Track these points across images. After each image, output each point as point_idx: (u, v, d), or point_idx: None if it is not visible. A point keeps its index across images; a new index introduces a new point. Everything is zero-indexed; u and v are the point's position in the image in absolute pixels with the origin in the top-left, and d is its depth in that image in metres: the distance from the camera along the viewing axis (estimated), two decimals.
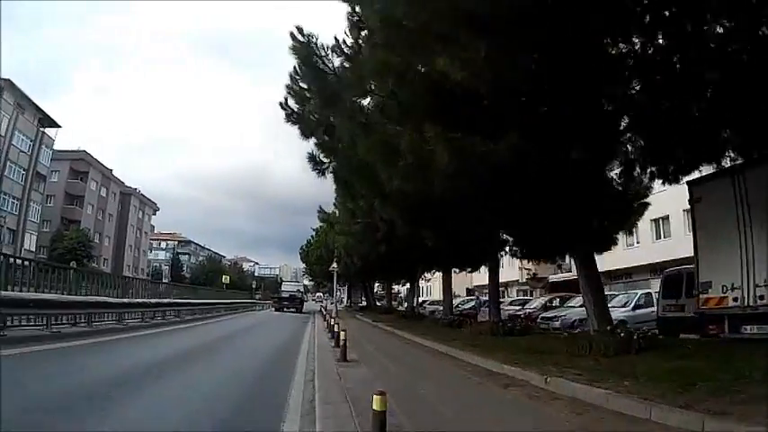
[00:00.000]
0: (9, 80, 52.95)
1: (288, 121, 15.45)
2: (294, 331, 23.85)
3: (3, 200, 53.92)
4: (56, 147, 65.30)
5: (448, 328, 22.26)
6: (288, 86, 15.31)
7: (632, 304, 20.62)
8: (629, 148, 12.26)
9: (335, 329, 15.79)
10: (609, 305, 19.01)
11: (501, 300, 40.56)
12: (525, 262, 44.23)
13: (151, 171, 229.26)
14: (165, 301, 25.11)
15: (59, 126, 64.17)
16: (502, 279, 49.11)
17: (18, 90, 55.06)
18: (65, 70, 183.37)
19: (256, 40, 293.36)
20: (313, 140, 15.82)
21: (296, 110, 15.48)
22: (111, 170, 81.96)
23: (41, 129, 60.43)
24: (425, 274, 41.35)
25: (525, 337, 16.45)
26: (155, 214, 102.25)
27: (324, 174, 16.67)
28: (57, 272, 16.09)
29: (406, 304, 56.56)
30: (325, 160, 16.52)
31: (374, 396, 4.82)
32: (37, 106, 59.37)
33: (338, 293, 45.95)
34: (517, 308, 28.68)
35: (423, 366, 12.51)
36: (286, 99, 15.52)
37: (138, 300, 20.61)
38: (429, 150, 9.98)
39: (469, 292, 59.73)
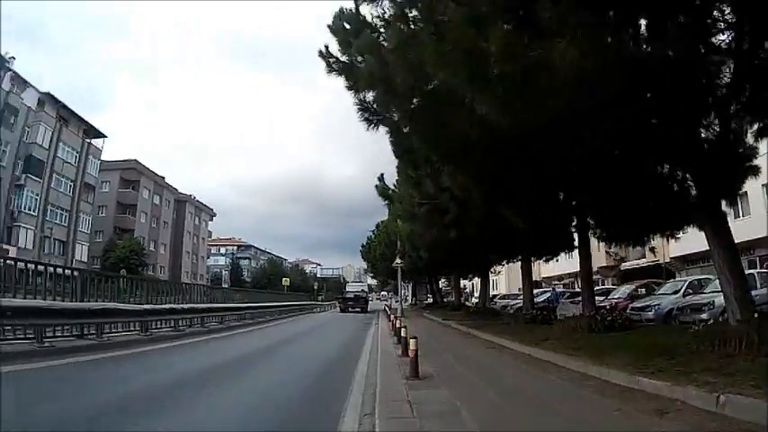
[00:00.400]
0: (49, 93, 53.49)
1: (330, 71, 12.40)
2: (353, 335, 21.15)
3: (50, 212, 53.78)
4: (106, 158, 65.65)
5: (531, 324, 19.10)
6: (330, 27, 12.53)
7: (758, 284, 17.27)
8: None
9: (402, 333, 13.02)
10: (705, 289, 18.19)
11: (565, 290, 38.26)
12: (606, 246, 41.55)
13: (206, 179, 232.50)
14: (214, 306, 23.50)
15: (105, 136, 64.33)
16: (569, 269, 48.53)
17: (59, 102, 55.21)
18: (111, 84, 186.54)
19: (303, 46, 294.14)
20: (363, 95, 12.67)
21: (340, 57, 12.50)
22: (164, 177, 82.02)
23: (87, 140, 60.53)
24: (495, 267, 37.94)
25: (631, 333, 13.62)
26: (212, 220, 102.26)
27: (377, 124, 13.33)
28: (108, 281, 15.79)
29: (475, 300, 53.98)
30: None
31: None
32: (80, 117, 59.51)
33: (403, 291, 43.06)
34: (600, 299, 24.77)
35: (525, 385, 9.07)
36: (326, 47, 12.67)
37: (166, 306, 17.93)
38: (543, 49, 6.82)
39: (536, 284, 56.34)
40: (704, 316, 16.08)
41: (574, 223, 18.58)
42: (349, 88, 12.35)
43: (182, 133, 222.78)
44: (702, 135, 10.52)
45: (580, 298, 25.89)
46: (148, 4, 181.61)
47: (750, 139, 10.81)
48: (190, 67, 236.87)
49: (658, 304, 19.50)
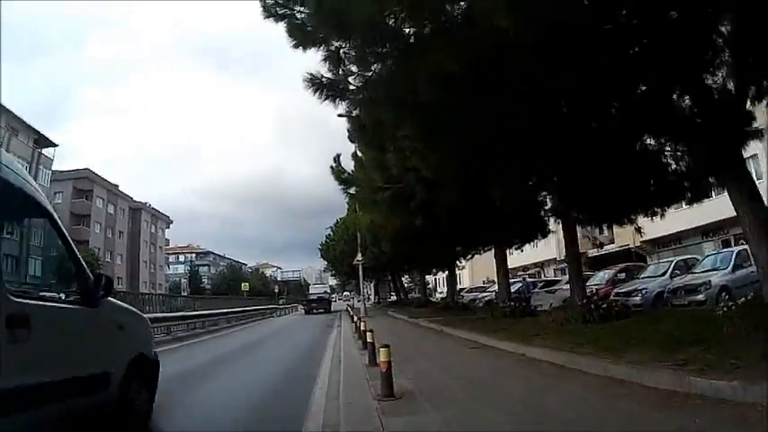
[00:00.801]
0: None
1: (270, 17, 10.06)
2: (312, 341, 18.81)
3: None
4: (59, 168, 64.02)
5: (510, 318, 17.46)
6: None
7: (730, 264, 16.38)
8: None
9: (367, 337, 10.88)
10: (696, 269, 17.68)
11: (536, 280, 36.82)
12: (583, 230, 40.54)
13: (161, 186, 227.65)
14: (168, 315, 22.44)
15: (56, 145, 61.90)
16: (533, 258, 48.13)
17: (9, 111, 52.27)
18: (64, 95, 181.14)
19: (256, 45, 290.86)
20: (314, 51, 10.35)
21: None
22: (117, 186, 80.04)
23: (37, 149, 58.10)
24: (461, 260, 35.70)
25: (632, 321, 12.01)
26: (168, 227, 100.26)
27: (338, 99, 11.03)
28: None
29: (440, 295, 52.40)
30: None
31: None
32: (30, 127, 56.89)
33: (365, 290, 41.38)
34: None
35: (543, 402, 6.54)
36: None
37: None
38: None
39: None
40: (701, 297, 15.49)
41: (547, 207, 17.59)
42: (296, 45, 10.00)
43: (135, 140, 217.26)
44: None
45: (555, 287, 25.00)
46: (100, 6, 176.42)
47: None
48: (143, 71, 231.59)
49: (645, 288, 18.25)
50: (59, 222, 5.20)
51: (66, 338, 4.80)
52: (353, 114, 12.84)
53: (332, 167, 19.66)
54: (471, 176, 12.96)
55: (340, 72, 10.34)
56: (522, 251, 24.01)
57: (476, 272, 59.71)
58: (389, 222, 20.01)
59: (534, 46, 8.27)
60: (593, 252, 42.46)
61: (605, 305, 13.48)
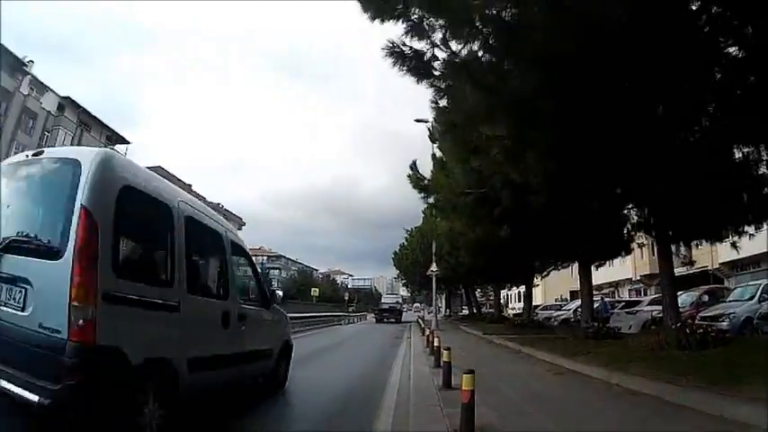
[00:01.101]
0: (69, 98, 52.33)
1: None
2: (379, 357, 16.77)
3: None
4: None
5: (593, 340, 16.01)
6: None
7: None
8: None
9: (442, 355, 9.90)
10: None
11: (615, 300, 34.99)
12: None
13: (235, 191, 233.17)
14: None
15: (129, 142, 63.32)
16: (607, 278, 46.53)
17: (80, 107, 54.05)
18: (142, 97, 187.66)
19: (335, 56, 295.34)
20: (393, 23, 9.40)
21: None
22: (191, 186, 79.97)
23: (110, 146, 57.82)
24: (539, 274, 33.99)
25: (732, 349, 10.81)
26: (240, 229, 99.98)
27: (422, 74, 9.98)
28: None
29: (511, 311, 50.78)
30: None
31: None
32: (102, 123, 58.31)
33: (436, 301, 40.40)
34: (657, 308, 21.36)
35: None
36: None
37: None
38: None
39: (573, 295, 54.65)
40: (724, 325, 15.16)
41: (633, 221, 17.09)
42: (373, 17, 9.02)
43: (213, 145, 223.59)
44: None
45: (636, 308, 23.61)
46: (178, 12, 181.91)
47: None
48: (224, 78, 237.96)
49: (733, 312, 16.87)
50: (252, 258, 9.23)
51: (258, 327, 8.30)
52: (437, 105, 11.73)
53: (409, 175, 18.51)
54: (565, 181, 11.71)
55: (426, 44, 9.39)
56: (597, 269, 22.19)
57: (548, 289, 58.04)
58: (470, 230, 18.69)
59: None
60: None
61: (702, 330, 12.10)
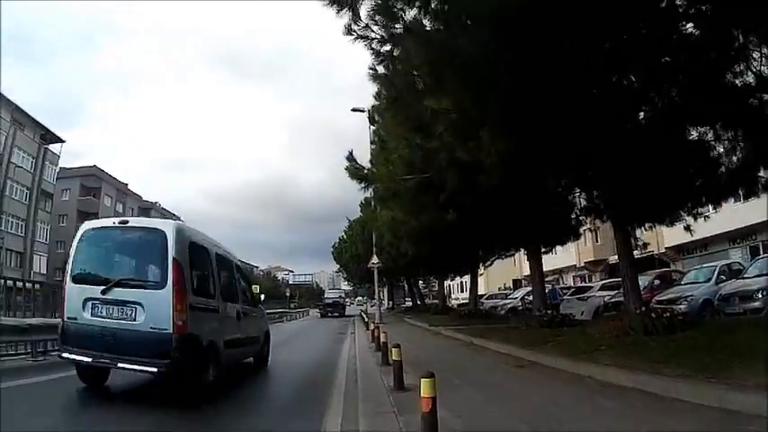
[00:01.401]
0: (2, 95, 49.84)
1: None
2: (322, 357, 14.88)
3: (4, 221, 50.85)
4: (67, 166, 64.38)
5: (548, 329, 15.12)
6: None
7: None
8: None
9: (392, 353, 8.70)
10: (746, 275, 16.04)
11: (563, 286, 34.84)
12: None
13: (170, 188, 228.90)
14: None
15: (63, 141, 61.90)
16: (552, 265, 45.93)
17: (13, 105, 52.00)
18: (79, 98, 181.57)
19: (271, 53, 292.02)
20: None
21: None
22: (126, 184, 79.42)
23: (44, 144, 57.52)
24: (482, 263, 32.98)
25: (701, 332, 10.02)
26: None
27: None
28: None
29: (456, 301, 50.18)
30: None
31: None
32: (37, 122, 56.60)
33: (379, 294, 40.41)
34: (610, 293, 21.73)
35: None
36: None
37: None
38: None
39: (516, 283, 56.41)
40: (757, 304, 14.14)
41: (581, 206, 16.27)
42: None
43: (148, 142, 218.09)
44: None
45: (587, 294, 24.08)
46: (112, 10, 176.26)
47: None
48: (159, 76, 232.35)
49: (691, 295, 16.49)
50: (244, 272, 12.30)
51: (251, 320, 11.05)
52: (378, 74, 10.54)
53: (347, 167, 17.15)
54: (518, 161, 10.66)
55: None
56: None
57: (491, 279, 57.85)
58: (412, 218, 17.34)
59: None
60: (613, 259, 41.02)
61: (668, 314, 11.46)
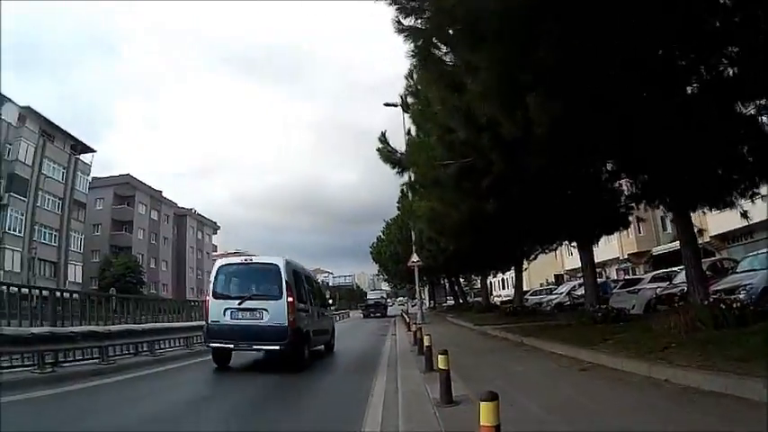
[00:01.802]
0: (30, 107, 50.86)
1: None
2: (357, 367, 13.27)
3: (38, 231, 51.42)
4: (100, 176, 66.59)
5: (603, 325, 14.14)
6: None
7: None
8: None
9: (438, 360, 7.31)
10: None
11: (613, 279, 33.35)
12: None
13: (206, 196, 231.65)
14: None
15: (94, 151, 62.80)
16: (597, 258, 44.21)
17: (42, 117, 52.73)
18: (107, 108, 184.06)
19: (295, 56, 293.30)
20: None
21: None
22: (161, 192, 79.28)
23: (75, 155, 58.16)
24: (529, 258, 31.50)
25: None
26: (215, 233, 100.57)
27: None
28: (103, 302, 15.85)
29: (498, 299, 48.95)
30: None
31: None
32: (66, 132, 57.37)
33: (420, 293, 40.18)
34: (661, 285, 21.10)
35: None
36: None
37: (176, 324, 18.03)
38: None
39: (558, 279, 56.53)
40: (741, 296, 13.45)
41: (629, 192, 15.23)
42: None
43: (179, 150, 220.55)
44: None
45: (638, 286, 23.14)
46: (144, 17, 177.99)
47: None
48: (185, 83, 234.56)
49: (750, 283, 15.01)
50: (317, 281, 20.88)
51: (324, 318, 16.43)
52: (403, 26, 9.52)
53: (379, 149, 16.11)
54: (571, 132, 9.50)
55: None
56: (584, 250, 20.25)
57: (532, 274, 56.43)
58: (453, 209, 16.05)
59: None
60: (657, 250, 39.62)
61: (738, 304, 10.53)
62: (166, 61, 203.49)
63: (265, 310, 11.74)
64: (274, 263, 12.37)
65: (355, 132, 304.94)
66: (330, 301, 20.26)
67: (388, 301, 74.83)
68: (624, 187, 15.57)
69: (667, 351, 8.59)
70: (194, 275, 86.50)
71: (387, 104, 24.91)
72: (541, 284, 50.74)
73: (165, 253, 77.63)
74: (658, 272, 25.16)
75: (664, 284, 20.91)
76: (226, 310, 11.89)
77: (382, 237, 62.36)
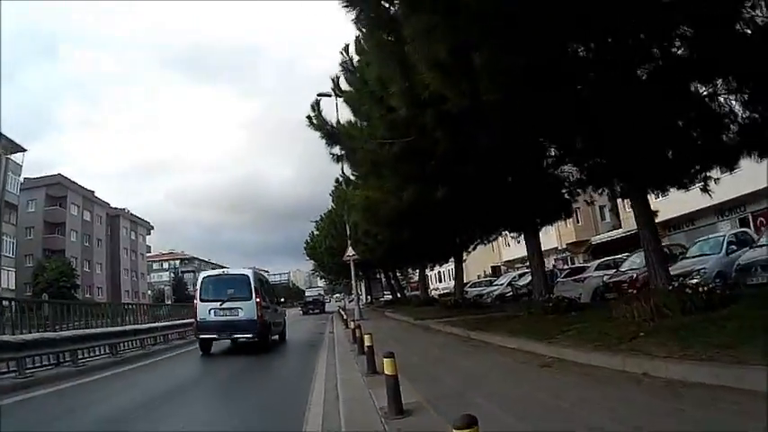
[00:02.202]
0: None
1: None
2: (297, 361, 14.20)
3: None
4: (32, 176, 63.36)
5: (555, 315, 13.37)
6: None
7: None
8: None
9: (384, 364, 6.02)
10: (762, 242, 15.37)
11: (556, 268, 33.31)
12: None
13: (138, 195, 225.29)
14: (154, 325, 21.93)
15: (24, 150, 58.65)
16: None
17: None
18: (39, 108, 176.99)
19: (228, 53, 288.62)
20: None
21: None
22: (93, 191, 76.56)
23: (5, 155, 54.48)
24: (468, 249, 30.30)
25: (744, 308, 8.79)
26: (149, 234, 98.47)
27: None
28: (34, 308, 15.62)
29: (435, 293, 48.36)
30: None
31: None
32: None
33: (357, 288, 39.53)
34: (607, 272, 21.04)
35: None
36: None
37: (99, 330, 16.49)
38: None
39: (495, 270, 56.36)
40: (696, 280, 12.65)
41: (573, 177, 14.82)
42: None
43: (111, 150, 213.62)
44: None
45: (584, 275, 23.08)
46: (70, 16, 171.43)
47: None
48: (119, 80, 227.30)
49: (703, 268, 15.36)
50: (271, 286, 26.12)
51: (278, 313, 19.80)
52: None
53: (309, 117, 14.52)
54: (526, 103, 8.56)
55: None
56: (518, 242, 19.89)
57: (469, 267, 56.23)
58: (392, 197, 14.72)
59: None
60: (596, 239, 39.82)
61: (706, 289, 9.90)
62: (102, 60, 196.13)
63: (240, 308, 15.70)
64: (245, 273, 16.83)
65: (290, 127, 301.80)
66: (282, 300, 24.54)
67: (326, 297, 75.87)
68: (569, 174, 14.97)
69: (637, 341, 7.90)
70: (129, 278, 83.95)
71: (320, 95, 23.49)
72: (479, 276, 50.46)
73: (99, 255, 74.41)
74: (604, 259, 24.88)
75: (610, 272, 20.69)
76: (210, 310, 15.79)
77: (316, 232, 61.25)
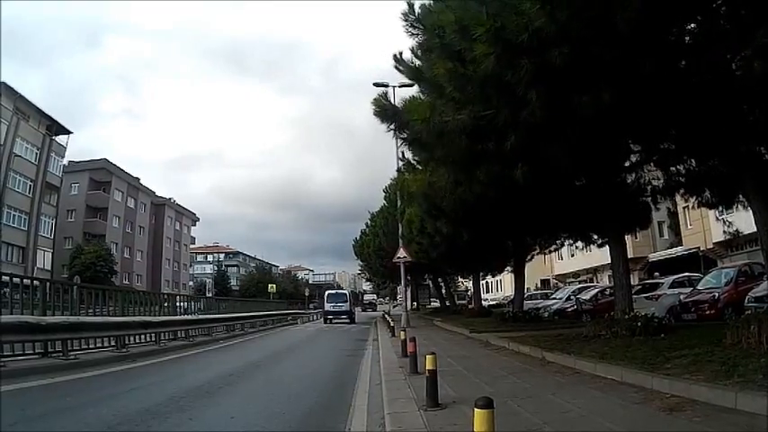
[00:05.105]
0: (5, 83, 47.32)
1: None
2: (327, 392, 9.62)
3: (6, 214, 48.34)
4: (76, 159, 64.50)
5: (641, 336, 11.18)
6: None
7: None
8: None
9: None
10: None
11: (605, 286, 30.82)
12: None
13: (185, 187, 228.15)
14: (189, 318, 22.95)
15: (70, 132, 59.82)
16: (585, 264, 46.06)
17: (17, 94, 49.87)
18: (88, 98, 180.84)
19: (276, 50, 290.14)
20: None
21: None
22: (139, 179, 77.43)
23: (50, 135, 55.21)
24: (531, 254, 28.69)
25: None
26: (194, 225, 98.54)
27: None
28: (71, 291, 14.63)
29: (483, 302, 45.83)
30: None
31: None
32: (42, 112, 54.48)
33: (407, 293, 38.33)
34: (683, 290, 19.89)
35: None
36: None
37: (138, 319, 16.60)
38: None
39: (544, 283, 55.78)
40: None
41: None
42: None
43: (159, 140, 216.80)
44: None
45: (658, 292, 21.78)
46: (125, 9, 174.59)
47: None
48: (169, 74, 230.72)
49: None
50: (354, 294, 74.60)
51: (354, 308, 53.64)
52: None
53: (375, 100, 11.96)
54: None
55: None
56: (572, 256, 18.15)
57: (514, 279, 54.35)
58: (456, 185, 12.16)
59: None
60: (654, 256, 41.07)
61: None
62: (150, 53, 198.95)
63: (345, 306, 42.42)
64: (345, 291, 47.82)
65: (340, 130, 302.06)
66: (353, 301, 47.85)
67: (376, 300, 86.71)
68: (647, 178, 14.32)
69: None
70: (170, 267, 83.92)
71: (376, 84, 22.18)
72: (528, 289, 48.05)
73: (140, 242, 74.39)
74: (678, 276, 23.79)
75: (687, 290, 19.41)
76: (331, 306, 43.17)
77: (366, 230, 56.49)
